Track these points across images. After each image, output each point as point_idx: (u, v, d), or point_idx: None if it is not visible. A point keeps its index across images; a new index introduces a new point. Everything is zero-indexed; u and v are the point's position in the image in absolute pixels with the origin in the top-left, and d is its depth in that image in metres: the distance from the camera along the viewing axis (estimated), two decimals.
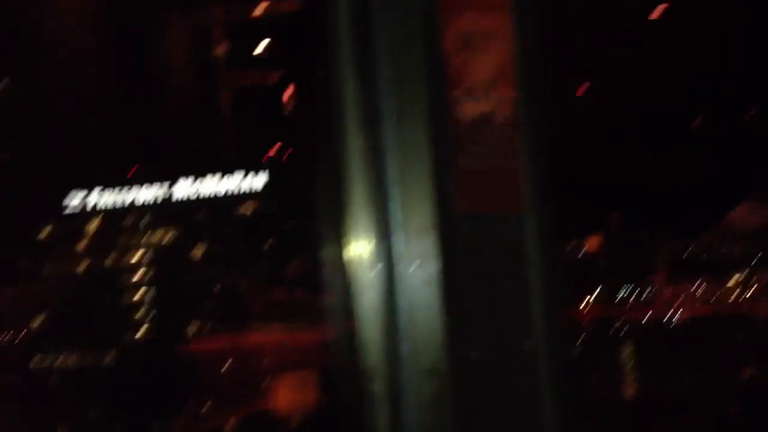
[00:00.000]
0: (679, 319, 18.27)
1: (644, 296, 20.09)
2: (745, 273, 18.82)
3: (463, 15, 2.21)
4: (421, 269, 2.11)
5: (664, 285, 19.55)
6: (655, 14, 10.54)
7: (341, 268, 2.19)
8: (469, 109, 2.20)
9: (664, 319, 18.51)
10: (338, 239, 2.20)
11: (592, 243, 18.13)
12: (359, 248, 2.15)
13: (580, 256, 19.38)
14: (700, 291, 19.63)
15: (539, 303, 2.34)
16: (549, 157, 2.37)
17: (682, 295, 19.19)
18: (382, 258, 2.13)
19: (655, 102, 13.55)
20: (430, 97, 2.11)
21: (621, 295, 20.49)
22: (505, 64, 2.31)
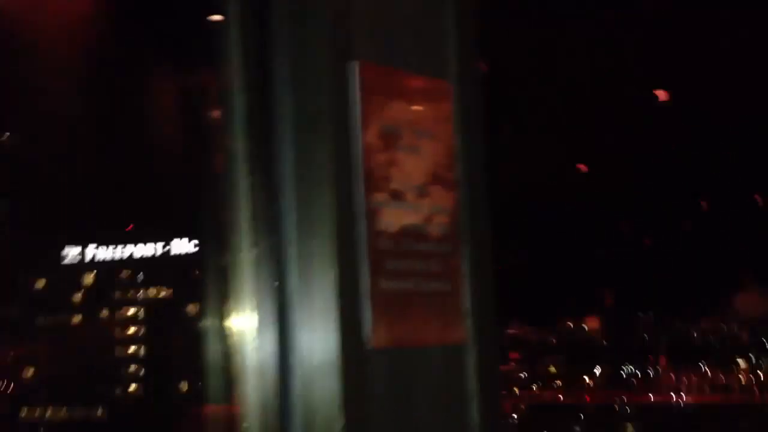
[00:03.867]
0: (685, 404, 17.66)
1: (647, 379, 19.48)
2: (752, 360, 18.23)
3: (390, 102, 1.81)
4: (327, 421, 1.66)
5: (667, 368, 18.99)
6: (661, 96, 10.28)
7: None
8: (394, 218, 1.78)
9: (669, 403, 17.90)
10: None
11: (591, 323, 17.67)
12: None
13: (580, 336, 18.86)
14: (704, 376, 19.02)
15: None
16: (495, 275, 1.94)
17: (686, 380, 18.58)
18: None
19: (664, 182, 13.23)
20: (339, 201, 1.70)
21: (623, 376, 19.92)
22: (443, 165, 1.90)
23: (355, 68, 1.75)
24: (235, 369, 1.70)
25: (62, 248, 38.43)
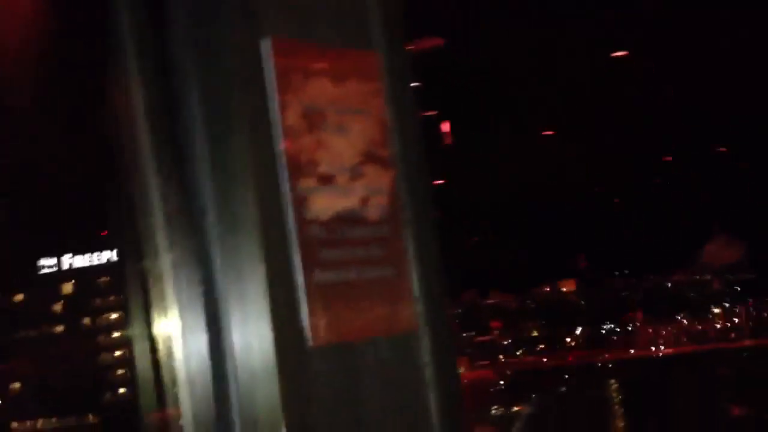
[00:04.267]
0: (663, 355, 17.82)
1: (626, 334, 19.64)
2: (724, 307, 18.44)
3: (310, 80, 1.68)
4: (269, 427, 1.54)
5: (644, 323, 19.12)
6: (618, 54, 10.25)
7: None
8: (325, 204, 1.66)
9: (648, 356, 18.04)
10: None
11: (568, 285, 17.75)
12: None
13: (558, 299, 18.90)
14: (681, 327, 19.25)
15: None
16: (440, 254, 1.83)
17: (664, 332, 18.80)
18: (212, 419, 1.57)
19: (625, 142, 13.21)
20: (262, 192, 1.57)
21: (603, 334, 20.04)
22: (376, 143, 1.77)
23: (268, 46, 1.62)
24: (166, 380, 1.58)
25: (38, 259, 37.91)
